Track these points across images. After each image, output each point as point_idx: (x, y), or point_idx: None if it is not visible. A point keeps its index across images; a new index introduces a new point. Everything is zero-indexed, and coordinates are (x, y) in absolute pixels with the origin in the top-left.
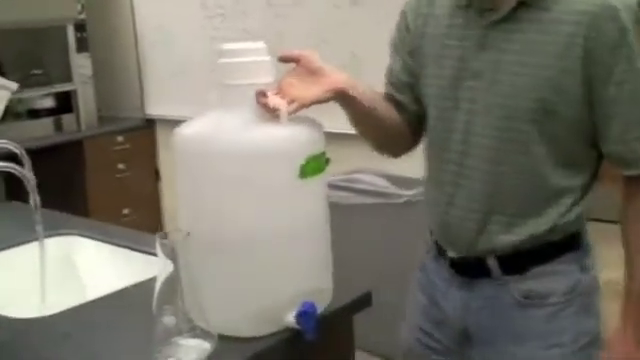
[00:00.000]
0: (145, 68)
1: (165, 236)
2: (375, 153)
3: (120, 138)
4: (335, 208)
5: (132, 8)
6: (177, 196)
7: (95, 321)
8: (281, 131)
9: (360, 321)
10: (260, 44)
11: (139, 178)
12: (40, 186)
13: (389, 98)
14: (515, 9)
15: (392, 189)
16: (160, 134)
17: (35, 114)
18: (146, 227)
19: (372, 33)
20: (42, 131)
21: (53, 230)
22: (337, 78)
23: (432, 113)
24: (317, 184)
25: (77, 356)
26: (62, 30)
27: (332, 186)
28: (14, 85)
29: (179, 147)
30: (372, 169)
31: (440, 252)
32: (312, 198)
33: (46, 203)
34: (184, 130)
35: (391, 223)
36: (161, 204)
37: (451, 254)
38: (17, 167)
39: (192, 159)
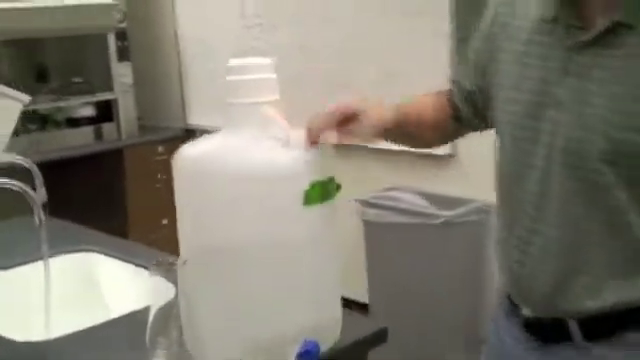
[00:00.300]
0: (186, 77)
1: (160, 264)
2: (415, 170)
3: (160, 148)
4: (370, 226)
5: (174, 17)
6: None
7: (99, 345)
8: (284, 154)
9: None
10: (266, 60)
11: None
12: (78, 195)
13: (447, 98)
14: (609, 30)
15: (430, 209)
16: None
17: (75, 123)
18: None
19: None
20: (82, 140)
21: (74, 246)
22: (377, 120)
23: (506, 143)
24: (325, 211)
25: None
26: (103, 39)
27: (368, 204)
28: (26, 98)
29: (181, 168)
30: (410, 187)
31: (512, 308)
32: (319, 227)
33: (84, 212)
34: (187, 151)
35: (428, 244)
36: None
37: (525, 312)
38: (17, 183)
39: (191, 182)
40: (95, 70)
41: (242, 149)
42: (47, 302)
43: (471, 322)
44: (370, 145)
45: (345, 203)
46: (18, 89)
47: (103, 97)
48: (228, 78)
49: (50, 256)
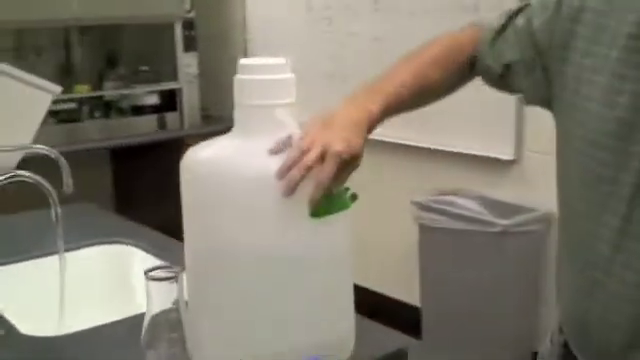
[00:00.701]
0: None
1: (156, 271)
2: (475, 174)
3: None
4: (425, 230)
5: (242, 7)
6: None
7: (107, 344)
8: None
9: None
10: (281, 60)
11: None
12: (138, 183)
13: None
14: None
15: (487, 216)
16: None
17: (139, 111)
18: None
19: None
20: (145, 128)
21: (110, 237)
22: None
23: (580, 163)
24: (337, 223)
25: None
26: (171, 28)
27: (424, 207)
28: (58, 88)
29: (187, 171)
30: (470, 190)
31: (568, 358)
32: (329, 239)
33: (144, 199)
34: (194, 153)
35: (483, 253)
36: None
37: None
38: (33, 176)
39: (196, 186)
40: (162, 59)
41: (249, 154)
42: (62, 297)
43: (522, 336)
44: (432, 146)
45: (403, 204)
46: (88, 75)
47: (168, 86)
48: (238, 77)
49: (84, 246)
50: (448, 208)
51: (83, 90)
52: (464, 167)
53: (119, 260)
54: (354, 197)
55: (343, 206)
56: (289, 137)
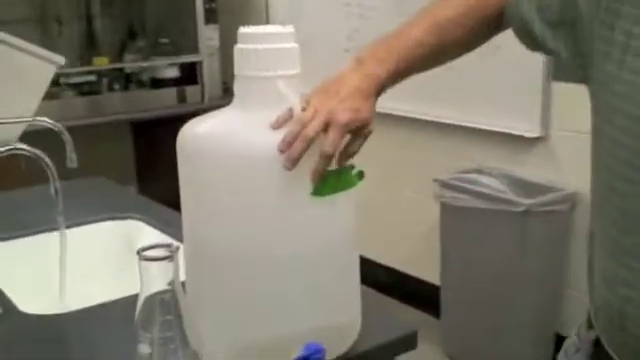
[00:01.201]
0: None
1: (151, 250)
2: (501, 151)
3: None
4: (446, 209)
5: None
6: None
7: (108, 322)
8: None
9: None
10: (287, 28)
11: None
12: (157, 156)
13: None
14: None
15: (510, 195)
16: None
17: (159, 84)
18: None
19: None
20: (166, 101)
21: (122, 213)
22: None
23: (627, 139)
24: (342, 203)
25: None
26: (192, 0)
27: (446, 184)
28: (61, 59)
29: (182, 147)
30: (495, 168)
31: (599, 357)
32: (332, 220)
33: (165, 173)
34: (191, 128)
35: (505, 233)
36: None
37: None
38: (30, 149)
39: (192, 164)
40: (182, 32)
41: (247, 129)
42: (62, 274)
43: (543, 318)
44: (455, 122)
45: (425, 181)
46: (109, 47)
47: (188, 59)
48: (237, 46)
49: (94, 221)
50: (470, 186)
51: (103, 62)
52: (488, 144)
53: (129, 236)
54: (361, 175)
55: (348, 184)
56: (290, 110)
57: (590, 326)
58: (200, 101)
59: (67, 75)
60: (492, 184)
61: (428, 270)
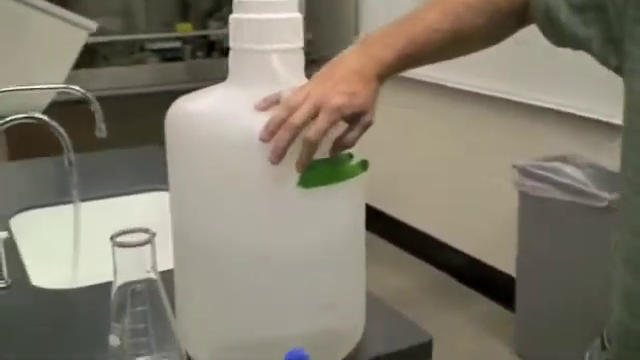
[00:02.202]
0: (362, 10)
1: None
2: (587, 139)
3: None
4: (525, 198)
5: None
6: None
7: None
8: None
9: None
10: None
11: None
12: None
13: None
14: None
15: (593, 188)
16: None
17: None
18: None
19: None
20: None
21: (151, 184)
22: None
23: None
24: (341, 195)
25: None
26: None
27: (526, 172)
28: (93, 25)
29: (169, 126)
30: (576, 157)
31: None
32: (330, 214)
33: None
34: (179, 106)
35: (586, 228)
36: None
37: None
38: (45, 118)
39: (178, 146)
40: None
41: (237, 109)
42: (76, 248)
43: None
44: (540, 104)
45: (505, 166)
46: (194, 13)
47: None
48: (232, 16)
49: (124, 194)
50: (551, 175)
51: (187, 29)
52: (574, 130)
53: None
54: (364, 165)
55: (345, 175)
56: (279, 93)
57: (604, 347)
58: None
59: (152, 41)
60: (575, 175)
61: (504, 260)
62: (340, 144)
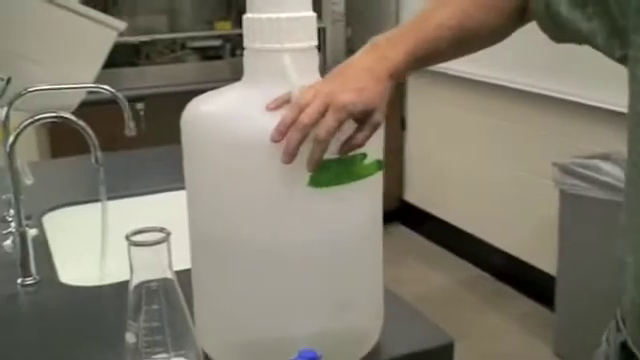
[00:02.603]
0: (403, 8)
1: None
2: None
3: None
4: (566, 196)
5: None
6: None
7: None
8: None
9: None
10: None
11: (384, 125)
12: None
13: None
14: None
15: None
16: (410, 81)
17: None
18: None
19: None
20: None
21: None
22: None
23: None
24: (356, 195)
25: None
26: None
27: (566, 170)
28: (122, 25)
29: (184, 127)
30: (619, 154)
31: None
32: (343, 213)
33: None
34: (194, 106)
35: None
36: (404, 154)
37: None
38: (72, 117)
39: (192, 146)
40: None
41: (249, 109)
42: (104, 246)
43: None
44: (582, 100)
45: (544, 163)
46: (235, 11)
47: None
48: (245, 16)
49: (153, 192)
50: (591, 173)
51: (226, 27)
52: (615, 127)
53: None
54: (379, 165)
55: (358, 175)
56: (289, 92)
57: (618, 328)
58: (322, 69)
59: (192, 39)
60: (615, 172)
61: (544, 259)
62: (350, 144)
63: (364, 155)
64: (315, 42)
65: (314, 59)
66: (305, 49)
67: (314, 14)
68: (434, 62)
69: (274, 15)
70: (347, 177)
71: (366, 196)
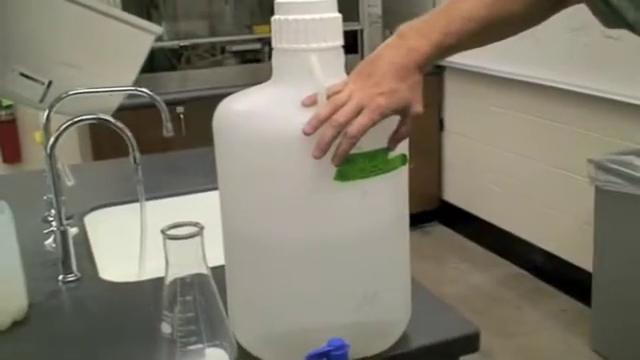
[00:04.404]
0: None
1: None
2: None
3: None
4: (601, 193)
5: None
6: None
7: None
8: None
9: None
10: None
11: (422, 126)
12: None
13: None
14: None
15: None
16: (448, 81)
17: None
18: (425, 178)
19: None
20: None
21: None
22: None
23: None
24: (382, 191)
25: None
26: None
27: (602, 167)
28: (159, 29)
29: (216, 126)
30: None
31: None
32: (367, 206)
33: None
34: (225, 106)
35: None
36: (443, 155)
37: None
38: (112, 120)
39: (223, 144)
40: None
41: (278, 108)
42: (142, 245)
43: None
44: (616, 97)
45: (579, 159)
46: (266, 13)
47: (349, 27)
48: (273, 18)
49: (190, 192)
50: (628, 170)
51: (264, 30)
52: None
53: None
54: (404, 159)
55: (383, 169)
56: (325, 89)
57: None
58: None
59: (232, 43)
60: None
61: (581, 255)
62: (395, 138)
63: (388, 149)
64: (341, 42)
65: (340, 58)
66: (331, 49)
67: (339, 15)
68: (460, 50)
69: (300, 17)
70: (372, 171)
71: (392, 190)
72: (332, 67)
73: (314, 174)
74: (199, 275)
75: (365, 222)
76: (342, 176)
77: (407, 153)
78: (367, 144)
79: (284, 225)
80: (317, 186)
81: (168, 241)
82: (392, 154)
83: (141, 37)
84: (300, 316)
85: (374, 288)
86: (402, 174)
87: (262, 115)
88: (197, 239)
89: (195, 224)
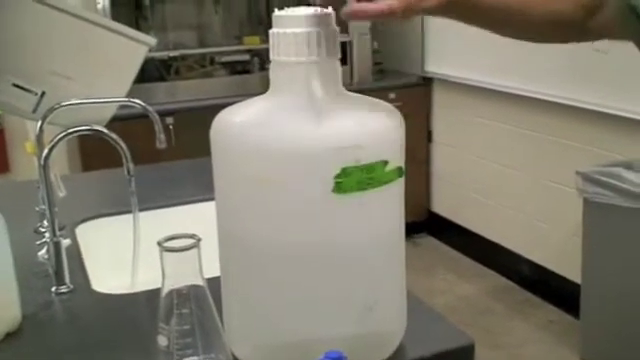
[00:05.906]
0: (428, 22)
1: (172, 240)
2: None
3: (392, 95)
4: (589, 205)
5: None
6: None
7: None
8: (312, 128)
9: None
10: (323, 10)
11: (411, 138)
12: None
13: None
14: None
15: None
16: (436, 93)
17: None
18: (414, 189)
19: None
20: None
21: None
22: None
23: None
24: (376, 204)
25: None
26: None
27: (589, 178)
28: (153, 40)
29: (213, 137)
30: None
31: None
32: (364, 218)
33: None
34: (222, 118)
35: None
36: (431, 166)
37: None
38: (105, 130)
39: (220, 155)
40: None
41: (275, 119)
42: (135, 256)
43: None
44: (604, 110)
45: (566, 171)
46: (264, 26)
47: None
48: (271, 31)
49: (183, 203)
50: (615, 182)
51: (254, 42)
52: (638, 136)
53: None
54: (400, 172)
55: (376, 182)
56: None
57: None
58: (349, 82)
59: (221, 54)
60: (638, 180)
61: (569, 267)
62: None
63: (385, 162)
64: (338, 55)
65: (337, 70)
66: (328, 61)
67: (337, 28)
68: (481, 22)
69: (297, 30)
70: (369, 183)
71: (389, 202)
72: (329, 79)
73: (312, 186)
74: (195, 287)
75: (364, 234)
76: (339, 188)
77: (403, 165)
78: (364, 157)
79: (282, 236)
80: (315, 198)
81: (165, 253)
82: (389, 167)
83: (135, 48)
84: (298, 327)
85: (372, 299)
86: (399, 187)
87: (260, 126)
88: (194, 251)
89: (192, 236)
